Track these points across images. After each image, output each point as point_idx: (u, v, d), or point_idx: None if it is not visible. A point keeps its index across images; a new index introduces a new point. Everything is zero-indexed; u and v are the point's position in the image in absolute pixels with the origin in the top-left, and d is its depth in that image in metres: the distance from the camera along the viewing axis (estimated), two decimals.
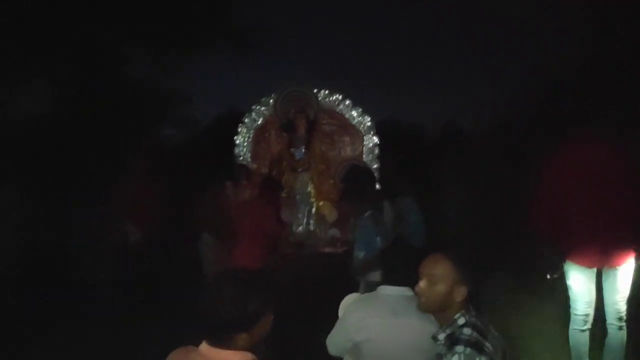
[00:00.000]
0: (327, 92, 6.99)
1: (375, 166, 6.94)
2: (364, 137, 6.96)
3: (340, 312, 2.80)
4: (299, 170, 6.56)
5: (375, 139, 6.94)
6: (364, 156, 6.94)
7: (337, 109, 7.02)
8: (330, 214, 6.47)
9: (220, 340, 1.64)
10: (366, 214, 3.95)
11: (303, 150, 6.57)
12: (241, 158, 7.21)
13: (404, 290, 2.46)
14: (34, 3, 7.17)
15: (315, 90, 6.94)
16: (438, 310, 2.06)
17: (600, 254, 3.61)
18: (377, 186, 6.61)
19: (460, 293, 2.02)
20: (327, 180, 6.61)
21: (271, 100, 7.00)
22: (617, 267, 3.62)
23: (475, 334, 1.93)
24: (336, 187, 6.63)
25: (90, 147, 7.16)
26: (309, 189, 6.52)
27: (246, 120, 7.19)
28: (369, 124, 6.98)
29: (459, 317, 2.00)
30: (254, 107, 7.19)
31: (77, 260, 5.51)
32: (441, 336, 2.03)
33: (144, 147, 7.09)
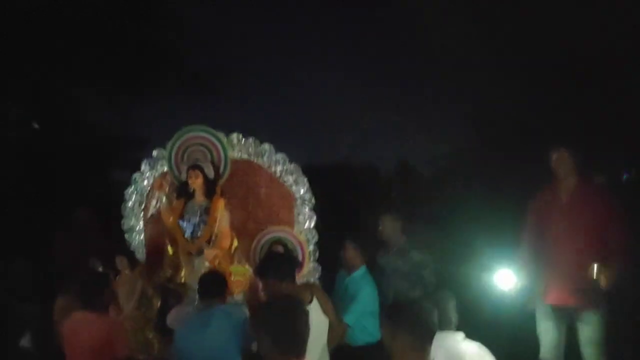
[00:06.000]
0: (246, 139, 4.95)
1: (313, 239, 4.83)
2: (297, 202, 4.86)
3: None
4: (194, 253, 4.45)
5: (310, 202, 4.82)
6: (295, 226, 4.82)
7: (263, 163, 4.95)
8: None
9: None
10: None
11: (198, 223, 4.48)
12: (131, 233, 5.18)
13: None
14: None
15: (237, 137, 4.92)
16: None
17: (569, 292, 3.70)
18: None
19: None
20: (232, 266, 4.48)
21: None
22: (585, 312, 3.67)
23: None
24: (253, 273, 4.53)
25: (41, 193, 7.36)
26: None
27: (136, 179, 5.18)
28: (304, 184, 4.87)
29: None
30: (146, 160, 5.18)
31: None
32: None
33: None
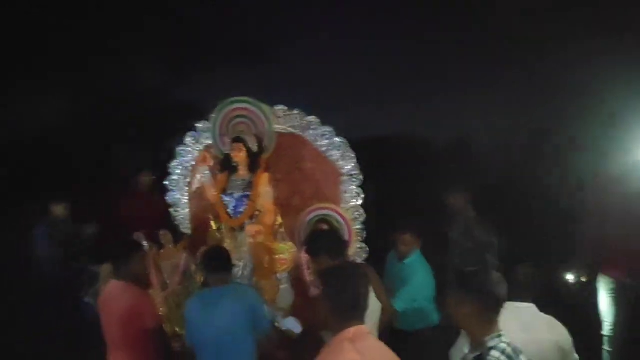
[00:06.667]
0: (292, 111, 4.72)
1: (360, 218, 4.59)
2: (343, 179, 4.61)
3: None
4: (236, 229, 4.32)
5: (357, 179, 4.56)
6: (341, 203, 4.59)
7: (309, 137, 4.71)
8: (282, 297, 4.18)
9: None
10: None
11: (241, 198, 4.34)
12: (175, 207, 5.12)
13: None
14: (54, 18, 7.77)
15: (283, 109, 4.70)
16: (465, 330, 2.17)
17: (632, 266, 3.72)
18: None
19: (462, 312, 2.08)
20: (276, 244, 4.31)
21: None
22: None
23: (503, 358, 1.98)
24: (298, 252, 4.37)
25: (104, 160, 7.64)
26: (247, 257, 4.25)
27: (180, 153, 5.10)
28: (351, 159, 4.60)
29: (488, 340, 2.03)
30: (190, 133, 5.07)
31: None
32: (469, 357, 2.09)
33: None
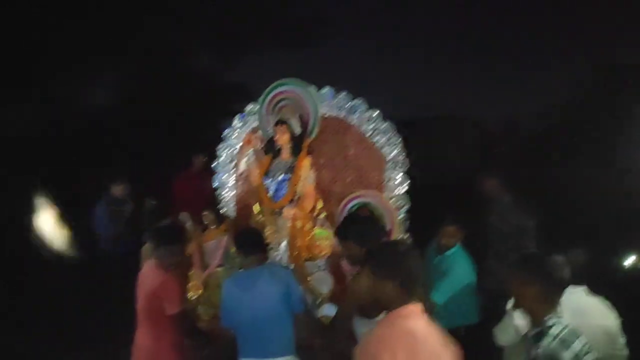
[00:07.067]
0: (338, 94, 4.59)
1: (404, 207, 4.42)
2: (388, 165, 4.44)
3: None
4: (277, 213, 4.27)
5: (402, 165, 4.38)
6: (385, 191, 4.43)
7: (354, 121, 4.56)
8: (320, 284, 4.10)
9: None
10: None
11: (282, 181, 4.28)
12: (223, 191, 5.15)
13: None
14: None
15: (329, 92, 4.59)
16: (526, 310, 2.19)
17: None
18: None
19: (525, 293, 2.14)
20: (315, 229, 4.22)
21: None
22: None
23: (562, 334, 2.06)
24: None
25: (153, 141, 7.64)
26: (285, 242, 4.19)
27: (228, 135, 5.11)
28: (397, 145, 4.42)
29: (548, 319, 2.11)
30: (238, 115, 5.07)
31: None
32: (530, 333, 2.16)
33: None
